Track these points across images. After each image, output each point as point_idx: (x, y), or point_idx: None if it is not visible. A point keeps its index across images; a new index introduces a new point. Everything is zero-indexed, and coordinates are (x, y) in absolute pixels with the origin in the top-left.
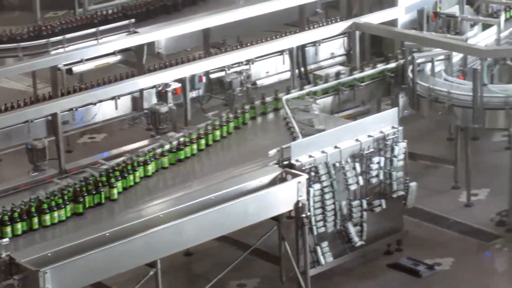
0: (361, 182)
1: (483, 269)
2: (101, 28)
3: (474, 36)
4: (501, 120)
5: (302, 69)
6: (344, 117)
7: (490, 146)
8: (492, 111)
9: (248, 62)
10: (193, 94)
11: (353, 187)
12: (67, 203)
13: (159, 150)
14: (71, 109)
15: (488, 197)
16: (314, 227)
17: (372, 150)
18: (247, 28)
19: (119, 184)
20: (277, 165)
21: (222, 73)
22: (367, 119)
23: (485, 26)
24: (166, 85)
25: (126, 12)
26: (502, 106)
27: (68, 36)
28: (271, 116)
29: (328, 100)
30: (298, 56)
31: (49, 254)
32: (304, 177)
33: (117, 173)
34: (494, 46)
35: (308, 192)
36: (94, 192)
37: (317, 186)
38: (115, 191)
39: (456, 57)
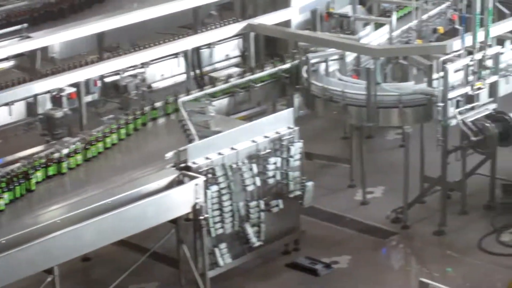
0: (258, 182)
1: (380, 266)
2: None
3: (367, 36)
4: (395, 118)
5: (198, 71)
6: (240, 119)
7: (385, 144)
8: (386, 109)
9: (143, 65)
10: (88, 98)
11: (250, 188)
12: None
13: (56, 155)
14: None
15: (383, 194)
16: (212, 229)
17: (269, 150)
18: (142, 31)
19: (13, 191)
20: (174, 168)
21: (117, 77)
22: (263, 120)
23: (378, 26)
24: (61, 90)
25: (19, 17)
26: (396, 104)
27: None
28: (167, 119)
29: (223, 101)
30: (193, 58)
31: None
32: (201, 179)
33: (14, 179)
34: (387, 45)
35: (205, 194)
36: None
37: (214, 187)
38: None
39: (350, 56)
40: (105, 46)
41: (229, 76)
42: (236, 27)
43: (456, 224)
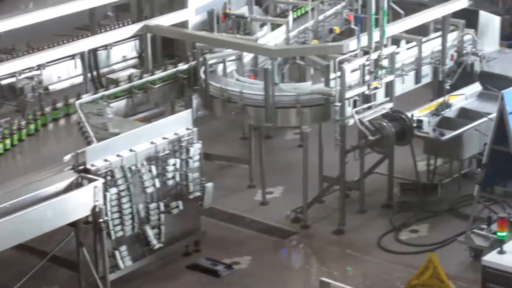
0: (158, 184)
1: (281, 266)
2: None
3: (264, 36)
4: (293, 118)
5: (95, 73)
6: (138, 120)
7: (283, 144)
8: (284, 109)
9: (39, 67)
10: None
11: (149, 190)
12: None
13: None
14: None
15: (283, 194)
16: (112, 232)
17: (168, 152)
18: (38, 33)
19: None
20: (72, 171)
21: (13, 79)
22: (161, 121)
23: (274, 26)
24: None
25: None
26: (294, 105)
27: None
28: (64, 121)
29: (121, 103)
30: (90, 60)
31: None
32: (100, 182)
33: None
34: (284, 45)
35: (104, 197)
36: None
37: (113, 190)
38: None
39: (247, 57)
40: (0, 48)
41: (127, 78)
42: (133, 29)
43: (355, 223)
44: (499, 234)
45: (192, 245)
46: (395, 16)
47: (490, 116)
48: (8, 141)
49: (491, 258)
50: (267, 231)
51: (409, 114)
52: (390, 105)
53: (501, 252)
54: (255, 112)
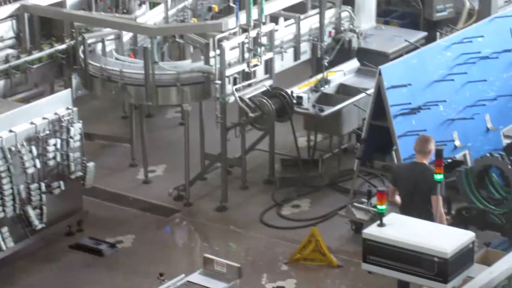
0: (38, 165)
1: (165, 244)
2: None
3: (142, 15)
4: (174, 97)
5: None
6: (17, 101)
7: (164, 123)
8: (164, 88)
9: None
10: None
11: (30, 170)
12: None
13: None
14: None
15: (165, 172)
16: None
17: (48, 132)
18: None
19: None
20: None
21: None
22: (41, 101)
23: (153, 5)
24: None
25: None
26: (174, 83)
27: None
28: None
29: None
30: None
31: None
32: None
33: None
34: (163, 24)
35: None
36: None
37: None
38: None
39: (126, 36)
40: None
41: (4, 58)
42: (9, 8)
43: (238, 200)
44: (378, 207)
45: (75, 225)
46: None
47: (368, 92)
48: None
49: (371, 231)
50: (150, 209)
51: (288, 91)
52: (270, 82)
53: (381, 225)
54: (136, 91)
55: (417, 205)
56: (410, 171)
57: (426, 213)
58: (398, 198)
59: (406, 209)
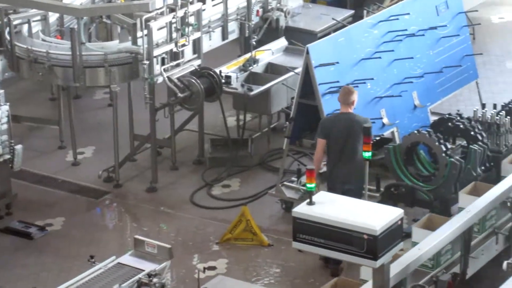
0: None
1: (95, 226)
2: None
3: None
4: (101, 78)
5: None
6: None
7: (93, 104)
8: (92, 69)
9: None
10: None
11: None
12: None
13: None
14: None
15: (94, 154)
16: None
17: None
18: None
19: None
20: None
21: None
22: None
23: None
24: None
25: None
26: (101, 64)
27: None
28: None
29: None
30: None
31: None
32: None
33: None
34: (89, 4)
35: None
36: None
37: None
38: None
39: (53, 17)
40: None
41: None
42: None
43: (168, 180)
44: (308, 185)
45: (4, 208)
46: None
47: (296, 70)
48: None
49: (301, 209)
50: (79, 191)
51: (217, 71)
52: (198, 62)
53: (310, 203)
54: (63, 72)
55: (347, 155)
56: (340, 121)
57: (354, 163)
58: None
59: (335, 162)
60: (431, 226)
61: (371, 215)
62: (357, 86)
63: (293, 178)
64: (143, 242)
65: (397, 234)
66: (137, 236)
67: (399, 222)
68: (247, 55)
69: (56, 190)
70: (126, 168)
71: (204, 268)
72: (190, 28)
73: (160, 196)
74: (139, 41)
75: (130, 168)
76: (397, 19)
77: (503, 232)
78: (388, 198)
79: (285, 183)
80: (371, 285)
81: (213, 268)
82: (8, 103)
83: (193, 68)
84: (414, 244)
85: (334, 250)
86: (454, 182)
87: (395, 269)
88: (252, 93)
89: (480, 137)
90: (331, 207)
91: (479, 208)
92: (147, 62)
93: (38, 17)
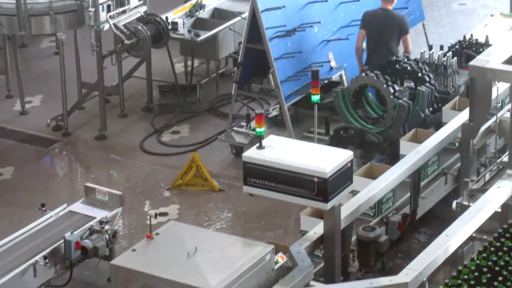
0: None
1: (45, 175)
2: None
3: None
4: (47, 26)
5: None
6: None
7: (39, 53)
8: (37, 17)
9: None
10: None
11: None
12: None
13: None
14: None
15: (42, 103)
16: None
17: None
18: None
19: None
20: None
21: None
22: None
23: None
24: None
25: None
26: (47, 12)
27: None
28: None
29: None
30: None
31: None
32: None
33: None
34: None
35: None
36: None
37: None
38: None
39: None
40: None
41: None
42: None
43: (117, 128)
44: (257, 130)
45: None
46: None
47: (243, 15)
48: None
49: (251, 153)
50: (28, 140)
51: (163, 17)
52: (144, 8)
53: (260, 147)
54: (8, 21)
55: (381, 47)
56: (379, 16)
57: (389, 53)
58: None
59: (372, 52)
60: (371, 175)
61: (321, 158)
62: (304, 30)
63: (243, 123)
64: (94, 189)
65: (347, 176)
66: (87, 184)
67: (349, 165)
68: (193, 1)
69: (4, 140)
70: (75, 116)
71: (156, 214)
72: None
73: (109, 143)
74: None
75: (79, 116)
76: None
77: (452, 172)
78: (337, 141)
79: (234, 128)
80: (322, 227)
81: (164, 214)
82: None
83: (139, 15)
84: (356, 192)
85: (284, 194)
86: (403, 124)
87: (345, 211)
88: (199, 38)
89: (427, 79)
90: (281, 151)
91: (425, 152)
92: (93, 9)
93: None
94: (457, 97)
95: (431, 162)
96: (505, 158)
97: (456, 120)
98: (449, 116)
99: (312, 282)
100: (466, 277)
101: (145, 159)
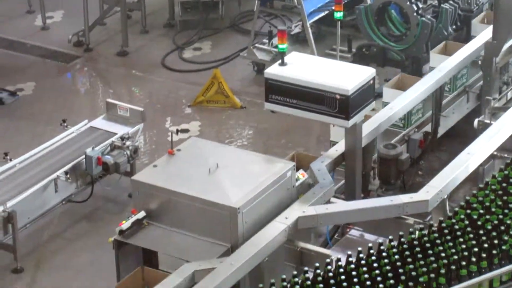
0: None
1: (66, 90)
2: None
3: None
4: None
5: None
6: None
7: None
8: None
9: None
10: None
11: None
12: None
13: None
14: None
15: (63, 18)
16: None
17: None
18: None
19: None
20: None
21: None
22: None
23: None
24: None
25: None
26: None
27: None
28: None
29: None
30: None
31: None
32: None
33: None
34: None
35: None
36: None
37: None
38: None
39: None
40: None
41: None
42: None
43: (139, 44)
44: (279, 46)
45: None
46: None
47: None
48: None
49: (273, 70)
50: (49, 56)
51: None
52: None
53: (282, 64)
54: None
55: None
56: None
57: None
58: None
59: None
60: (402, 86)
61: (343, 75)
62: None
63: (265, 40)
64: (115, 105)
65: (369, 94)
66: (109, 100)
67: (371, 82)
68: None
69: (25, 55)
70: (96, 32)
71: (177, 130)
72: None
73: (131, 59)
74: None
75: (100, 32)
76: None
77: (474, 90)
78: (359, 58)
79: (256, 45)
80: (343, 144)
81: (186, 130)
82: None
83: None
84: (385, 104)
85: (306, 111)
86: (426, 42)
87: (367, 128)
88: None
89: None
90: (303, 68)
91: (450, 67)
92: None
93: None
94: (484, 11)
95: (460, 75)
96: None
97: (485, 33)
98: (477, 30)
99: (332, 199)
100: (493, 187)
101: (167, 75)
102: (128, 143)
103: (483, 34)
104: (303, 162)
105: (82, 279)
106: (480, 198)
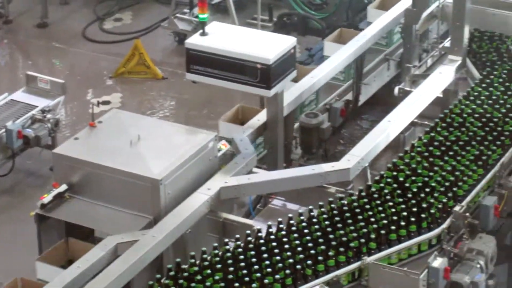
0: None
1: None
2: None
3: None
4: None
5: None
6: None
7: None
8: None
9: None
10: None
11: None
12: None
13: None
14: None
15: None
16: None
17: None
18: None
19: None
20: None
21: None
22: None
23: None
24: None
25: None
26: None
27: None
28: None
29: None
30: None
31: None
32: None
33: None
34: None
35: None
36: None
37: None
38: None
39: None
40: None
41: None
42: None
43: (59, 15)
44: (200, 16)
45: None
46: None
47: None
48: None
49: (194, 40)
50: None
51: None
52: None
53: (203, 34)
54: None
55: None
56: None
57: None
58: None
59: None
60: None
61: (264, 45)
62: None
63: (186, 10)
64: (35, 78)
65: (290, 63)
66: (29, 72)
67: (292, 51)
68: None
69: None
70: (16, 3)
71: (98, 102)
72: None
73: (51, 31)
74: None
75: (20, 3)
76: None
77: (394, 58)
78: (281, 27)
79: (177, 15)
80: (265, 113)
81: (107, 102)
82: None
83: None
84: (326, 57)
85: (227, 81)
86: (346, 10)
87: (288, 97)
88: None
89: None
90: (224, 38)
91: (371, 35)
92: None
93: None
94: None
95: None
96: (447, 43)
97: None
98: None
99: (255, 169)
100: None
101: (88, 47)
102: (49, 116)
103: (403, 1)
104: (248, 115)
105: (4, 253)
106: (407, 160)
